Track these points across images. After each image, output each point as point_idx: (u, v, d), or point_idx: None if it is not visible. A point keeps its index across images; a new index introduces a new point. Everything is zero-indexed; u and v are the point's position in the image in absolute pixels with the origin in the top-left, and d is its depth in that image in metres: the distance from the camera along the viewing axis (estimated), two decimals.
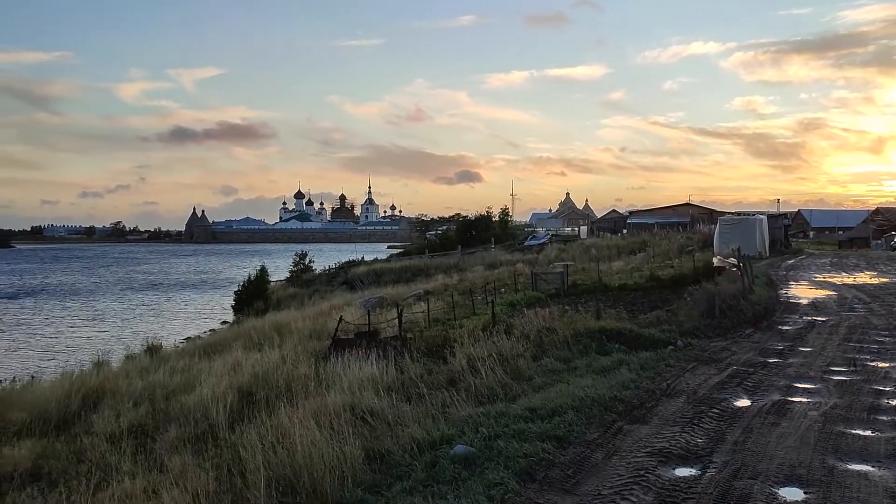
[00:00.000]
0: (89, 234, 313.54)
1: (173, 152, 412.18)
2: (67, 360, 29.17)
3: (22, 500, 8.86)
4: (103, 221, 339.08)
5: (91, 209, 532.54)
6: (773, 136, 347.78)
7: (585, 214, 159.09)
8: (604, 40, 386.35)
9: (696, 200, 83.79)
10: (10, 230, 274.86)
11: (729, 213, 61.20)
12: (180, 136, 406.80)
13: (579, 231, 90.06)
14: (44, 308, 59.37)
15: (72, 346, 37.21)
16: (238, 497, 6.71)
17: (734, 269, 20.97)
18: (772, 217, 49.37)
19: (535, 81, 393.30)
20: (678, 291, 20.57)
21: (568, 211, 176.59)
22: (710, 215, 64.21)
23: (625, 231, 69.70)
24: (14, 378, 19.07)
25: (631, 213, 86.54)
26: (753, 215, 43.94)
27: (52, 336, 42.59)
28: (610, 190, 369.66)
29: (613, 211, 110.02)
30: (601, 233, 73.04)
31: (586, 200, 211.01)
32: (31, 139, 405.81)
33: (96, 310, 57.60)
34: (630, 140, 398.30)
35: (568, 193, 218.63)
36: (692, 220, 65.45)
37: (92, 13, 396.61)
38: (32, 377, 19.58)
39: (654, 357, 11.51)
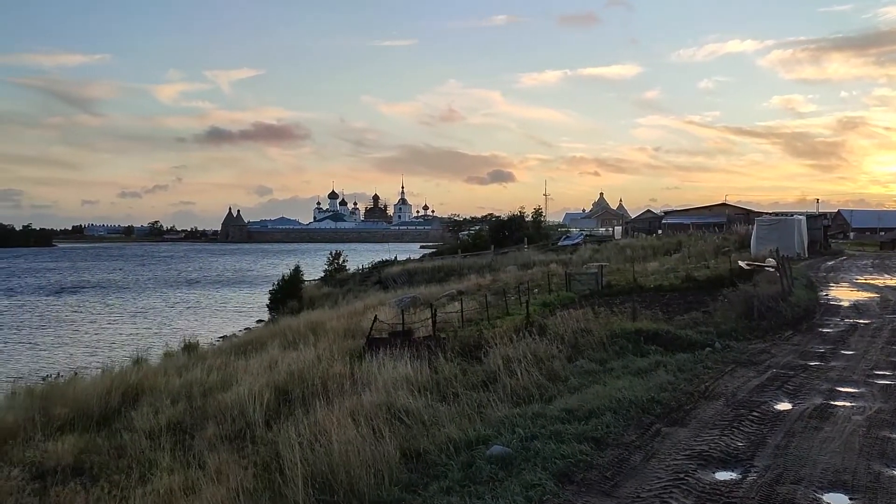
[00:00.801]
0: (128, 234, 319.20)
1: (210, 153, 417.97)
2: (109, 357, 29.69)
3: (65, 493, 9.05)
4: (141, 221, 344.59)
5: (129, 209, 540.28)
6: (813, 135, 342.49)
7: (619, 214, 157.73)
8: (636, 40, 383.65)
9: (732, 200, 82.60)
10: (52, 229, 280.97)
11: (766, 213, 60.32)
12: (216, 136, 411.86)
13: (613, 231, 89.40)
14: (86, 305, 60.75)
15: (113, 343, 37.96)
16: (276, 494, 6.76)
17: (772, 270, 20.62)
18: (811, 217, 48.50)
19: (569, 81, 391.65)
20: (714, 293, 20.27)
21: (602, 211, 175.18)
22: (747, 216, 63.18)
23: (660, 231, 68.95)
24: (57, 374, 19.48)
25: (666, 213, 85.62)
26: (792, 215, 43.18)
27: (95, 332, 43.51)
28: (644, 190, 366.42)
29: (648, 211, 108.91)
30: (635, 233, 72.38)
31: (620, 200, 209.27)
32: (73, 140, 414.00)
33: (136, 307, 58.72)
34: (665, 139, 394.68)
35: (602, 193, 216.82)
36: (728, 220, 64.47)
37: (130, 16, 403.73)
38: (75, 373, 19.99)
39: (691, 359, 11.37)
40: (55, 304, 61.76)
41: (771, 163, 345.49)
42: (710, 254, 35.67)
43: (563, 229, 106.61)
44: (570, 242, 63.63)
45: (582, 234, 77.46)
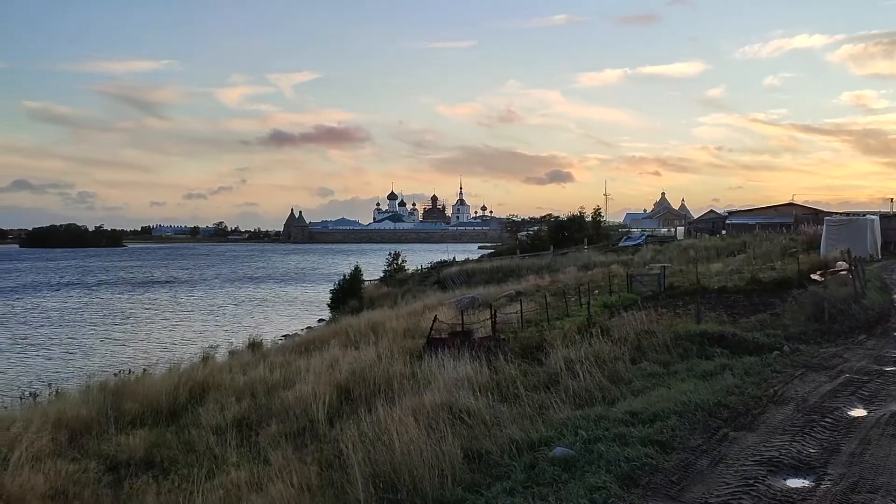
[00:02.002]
0: (193, 234, 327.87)
1: (272, 155, 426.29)
2: (179, 353, 30.73)
3: (138, 486, 9.34)
4: (207, 222, 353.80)
5: (195, 210, 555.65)
6: (886, 132, 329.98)
7: (682, 214, 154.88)
8: (697, 38, 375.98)
9: (800, 200, 80.00)
10: (122, 230, 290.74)
11: (836, 213, 58.30)
12: (279, 139, 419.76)
13: (675, 232, 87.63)
14: (158, 302, 63.13)
15: (183, 339, 39.37)
16: (340, 492, 6.85)
17: (844, 272, 19.95)
18: (884, 217, 46.58)
19: (629, 79, 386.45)
20: (782, 294, 19.70)
21: (663, 211, 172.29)
22: (816, 215, 61.19)
23: (723, 232, 67.37)
24: (128, 370, 20.07)
25: (730, 213, 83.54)
26: (864, 215, 41.64)
27: (166, 329, 45.20)
28: (707, 190, 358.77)
29: (711, 211, 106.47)
30: (698, 233, 70.90)
31: (682, 200, 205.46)
32: (142, 144, 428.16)
33: (205, 304, 60.78)
34: (728, 138, 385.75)
35: (663, 193, 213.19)
36: (796, 220, 62.59)
37: (196, 22, 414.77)
38: (144, 370, 20.59)
39: (759, 362, 11.08)
40: (129, 300, 64.34)
41: (841, 161, 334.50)
42: (777, 255, 34.66)
43: (623, 230, 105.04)
44: (631, 243, 62.69)
45: (643, 234, 76.20)
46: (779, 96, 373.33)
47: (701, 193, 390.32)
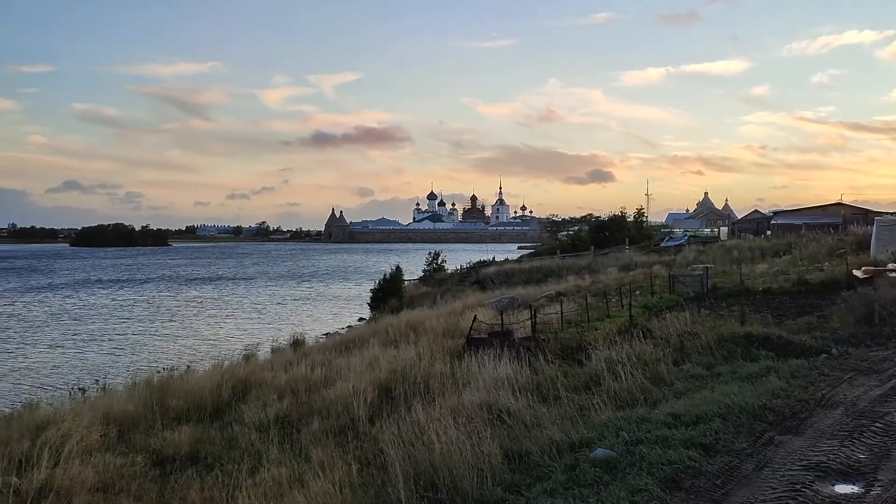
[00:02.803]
0: (236, 234, 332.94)
1: (314, 155, 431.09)
2: (225, 349, 31.42)
3: (183, 481, 9.51)
4: (249, 221, 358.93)
5: (238, 210, 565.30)
6: None
7: (725, 215, 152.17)
8: (738, 36, 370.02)
9: (848, 200, 78.17)
10: (167, 229, 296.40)
11: (888, 213, 56.79)
12: (320, 139, 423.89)
13: (719, 232, 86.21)
14: (205, 299, 64.74)
15: (228, 336, 40.27)
16: (380, 490, 6.88)
17: (894, 273, 19.42)
18: None
19: (672, 78, 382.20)
20: (829, 296, 19.26)
21: (706, 211, 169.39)
22: (865, 215, 59.67)
23: (768, 232, 66.11)
24: (172, 367, 20.50)
25: (775, 213, 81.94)
26: None
27: (212, 326, 46.40)
28: (751, 189, 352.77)
29: (755, 211, 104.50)
30: (742, 234, 69.66)
31: (726, 200, 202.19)
32: (187, 144, 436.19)
33: (249, 302, 62.07)
34: (773, 137, 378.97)
35: (706, 193, 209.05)
36: (844, 220, 61.12)
37: (239, 25, 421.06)
38: (188, 367, 20.99)
39: (805, 365, 10.84)
40: (176, 297, 65.98)
41: (891, 159, 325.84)
42: (824, 256, 33.87)
43: (665, 230, 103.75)
44: (673, 243, 61.90)
45: (686, 234, 75.19)
46: (827, 94, 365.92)
47: (745, 193, 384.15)
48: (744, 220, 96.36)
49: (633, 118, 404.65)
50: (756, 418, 7.83)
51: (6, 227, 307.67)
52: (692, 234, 79.68)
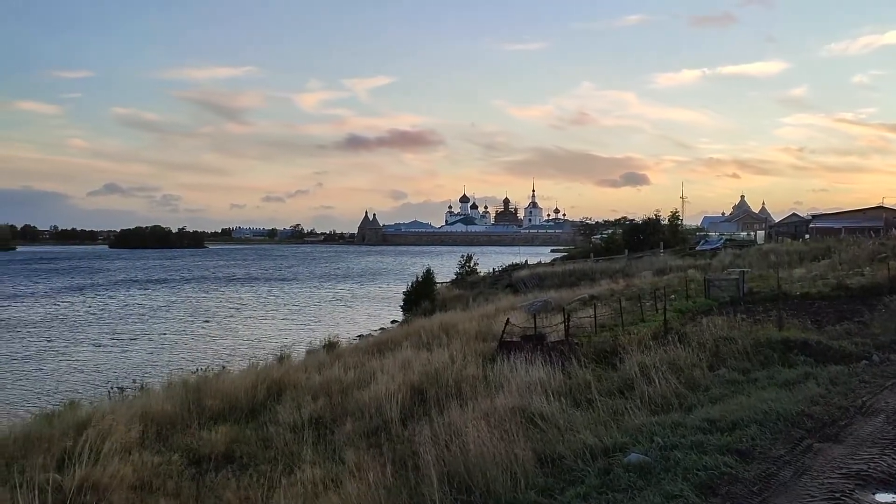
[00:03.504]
0: (271, 236, 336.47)
1: (348, 158, 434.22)
2: (262, 349, 31.89)
3: (219, 480, 9.64)
4: (284, 224, 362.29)
5: (273, 212, 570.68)
6: None
7: (762, 218, 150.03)
8: (775, 38, 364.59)
9: (890, 203, 76.59)
10: (203, 232, 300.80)
11: None
12: (354, 143, 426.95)
13: (755, 235, 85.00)
14: (239, 300, 65.64)
15: (263, 337, 40.73)
16: (413, 492, 6.90)
17: None
18: None
19: (707, 80, 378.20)
20: (870, 302, 18.89)
21: (743, 214, 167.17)
22: None
23: (807, 236, 64.99)
24: (206, 367, 20.78)
25: (814, 216, 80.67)
26: None
27: (247, 326, 46.99)
28: (788, 192, 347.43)
29: (793, 214, 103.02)
30: (780, 237, 68.57)
31: (762, 203, 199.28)
32: (223, 148, 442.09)
33: (285, 303, 62.90)
34: (812, 139, 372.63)
35: (742, 196, 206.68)
36: (886, 224, 59.89)
37: (274, 30, 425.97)
38: (223, 367, 21.27)
39: (845, 371, 10.65)
40: (212, 298, 67.18)
41: None
42: (865, 260, 33.15)
43: (701, 233, 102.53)
44: (708, 247, 61.12)
45: (721, 238, 74.24)
46: (868, 94, 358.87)
47: (782, 196, 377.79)
48: (781, 223, 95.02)
49: (668, 120, 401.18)
50: (794, 425, 7.71)
51: (48, 229, 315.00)
52: (728, 237, 78.68)
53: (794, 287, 24.66)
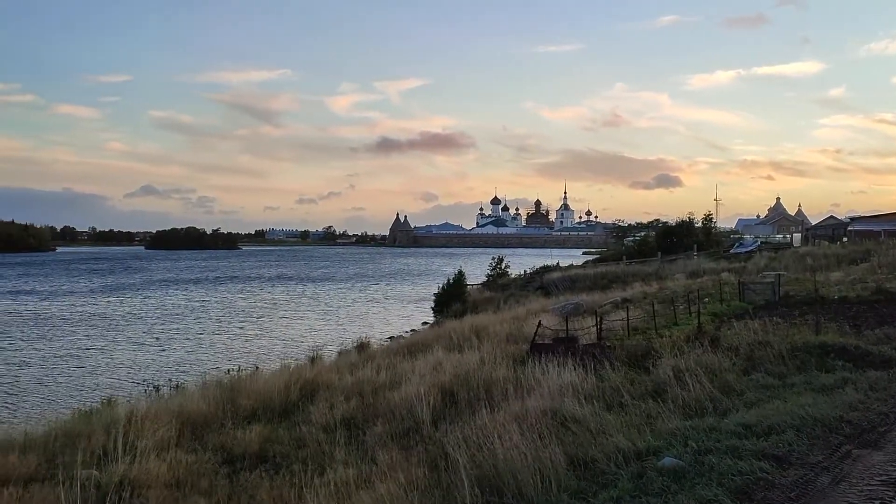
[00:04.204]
0: (304, 238, 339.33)
1: (379, 161, 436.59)
2: (296, 349, 32.27)
3: (252, 479, 9.74)
4: (316, 226, 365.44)
5: (306, 214, 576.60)
6: None
7: (798, 220, 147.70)
8: (809, 38, 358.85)
9: None
10: (237, 233, 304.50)
11: None
12: (386, 145, 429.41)
13: (791, 238, 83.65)
14: (273, 300, 66.57)
15: (297, 337, 41.30)
16: (446, 493, 6.91)
17: None
18: None
19: (742, 80, 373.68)
20: None
21: (778, 217, 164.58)
22: None
23: (845, 239, 63.78)
24: (242, 367, 21.02)
25: (852, 219, 79.09)
26: None
27: (280, 326, 47.72)
28: (825, 194, 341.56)
29: (831, 217, 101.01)
30: (817, 240, 67.39)
31: (799, 206, 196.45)
32: (257, 150, 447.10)
33: (316, 304, 63.58)
34: (850, 140, 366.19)
35: (778, 198, 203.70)
36: None
37: (308, 33, 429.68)
38: (257, 367, 21.50)
39: (885, 377, 10.43)
40: (247, 298, 68.29)
41: None
42: None
43: (735, 236, 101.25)
44: (743, 250, 60.34)
45: (756, 241, 73.20)
46: None
47: (819, 198, 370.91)
48: (818, 226, 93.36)
49: (702, 122, 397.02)
50: (832, 431, 7.58)
51: (87, 230, 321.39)
52: (763, 240, 77.54)
53: (832, 291, 24.25)
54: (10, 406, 24.35)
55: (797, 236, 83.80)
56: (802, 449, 6.94)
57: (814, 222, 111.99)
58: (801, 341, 12.89)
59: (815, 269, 32.62)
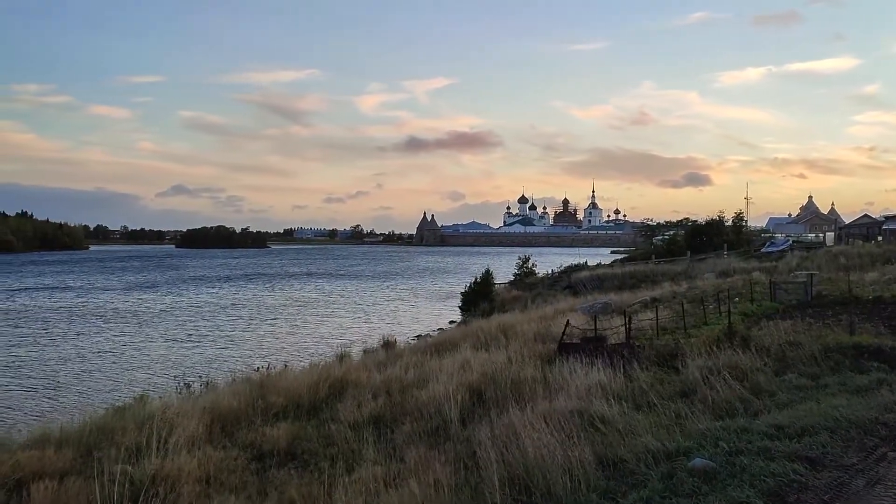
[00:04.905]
0: (331, 237, 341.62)
1: (407, 160, 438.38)
2: (325, 347, 32.60)
3: (281, 475, 9.83)
4: (344, 225, 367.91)
5: (334, 213, 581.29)
6: None
7: (831, 219, 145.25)
8: (841, 34, 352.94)
9: None
10: (266, 232, 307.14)
11: None
12: (413, 145, 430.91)
13: (824, 237, 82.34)
14: (302, 298, 67.26)
15: (326, 335, 41.64)
16: (474, 492, 6.92)
17: None
18: None
19: (773, 78, 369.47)
20: None
21: (811, 215, 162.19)
22: None
23: (880, 238, 62.66)
24: (271, 365, 21.19)
25: (887, 217, 77.64)
26: None
27: (310, 324, 48.11)
28: (859, 192, 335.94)
29: (865, 215, 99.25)
30: (850, 239, 66.29)
31: (832, 204, 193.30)
32: (286, 150, 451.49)
33: (344, 301, 64.26)
34: (886, 137, 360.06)
35: (811, 196, 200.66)
36: None
37: (336, 33, 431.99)
38: (285, 365, 21.65)
39: None
40: (278, 296, 68.99)
41: None
42: None
43: (766, 235, 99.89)
44: (774, 249, 59.52)
45: (788, 240, 72.20)
46: None
47: (853, 196, 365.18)
48: (852, 224, 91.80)
49: (732, 120, 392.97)
50: (867, 433, 7.46)
51: (118, 229, 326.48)
52: (795, 239, 76.48)
53: (866, 291, 23.84)
54: (50, 400, 25.08)
55: (830, 235, 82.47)
56: (836, 451, 6.84)
57: (847, 221, 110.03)
58: (834, 342, 12.70)
59: (849, 268, 32.07)
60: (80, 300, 64.31)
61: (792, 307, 20.97)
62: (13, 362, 32.91)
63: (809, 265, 37.65)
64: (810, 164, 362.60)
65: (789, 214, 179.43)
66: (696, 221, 76.53)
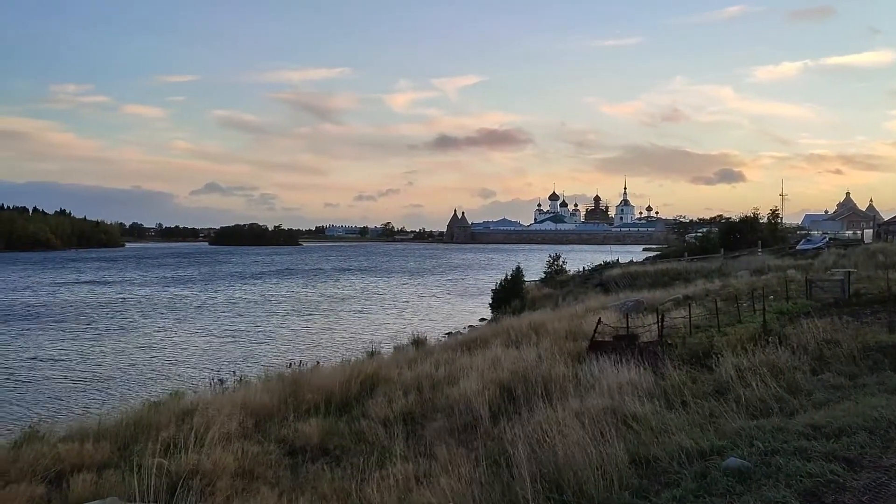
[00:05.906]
0: (363, 234, 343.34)
1: (437, 158, 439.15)
2: (356, 343, 32.91)
3: (313, 471, 9.93)
4: (375, 222, 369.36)
5: (365, 211, 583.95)
6: None
7: (869, 216, 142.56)
8: (876, 28, 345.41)
9: None
10: (298, 230, 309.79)
11: None
12: (444, 142, 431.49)
13: (862, 235, 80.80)
14: (336, 294, 68.20)
15: (358, 331, 42.33)
16: (506, 489, 6.92)
17: None
18: None
19: (810, 72, 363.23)
20: None
21: (848, 212, 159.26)
22: None
23: None
24: (303, 362, 21.36)
25: None
26: None
27: (343, 320, 48.74)
28: None
29: None
30: (889, 236, 64.95)
31: (870, 200, 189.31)
32: (318, 148, 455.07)
33: (378, 299, 64.72)
34: None
35: (848, 193, 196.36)
36: None
37: (366, 32, 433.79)
38: (318, 362, 21.85)
39: None
40: (313, 293, 69.88)
41: None
42: None
43: (802, 232, 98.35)
44: (810, 246, 58.52)
45: (824, 237, 70.95)
46: None
47: (892, 193, 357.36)
48: (891, 221, 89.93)
49: (766, 115, 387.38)
50: None
51: (153, 226, 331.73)
52: (831, 236, 75.17)
53: None
54: (91, 393, 25.75)
55: (868, 232, 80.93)
56: (875, 451, 6.71)
57: (886, 218, 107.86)
58: (873, 341, 12.46)
59: (888, 266, 31.42)
60: (119, 296, 65.77)
61: (828, 305, 20.59)
62: (59, 356, 34.02)
63: (846, 263, 36.96)
64: (847, 160, 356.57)
65: (826, 211, 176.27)
66: (729, 219, 75.58)
